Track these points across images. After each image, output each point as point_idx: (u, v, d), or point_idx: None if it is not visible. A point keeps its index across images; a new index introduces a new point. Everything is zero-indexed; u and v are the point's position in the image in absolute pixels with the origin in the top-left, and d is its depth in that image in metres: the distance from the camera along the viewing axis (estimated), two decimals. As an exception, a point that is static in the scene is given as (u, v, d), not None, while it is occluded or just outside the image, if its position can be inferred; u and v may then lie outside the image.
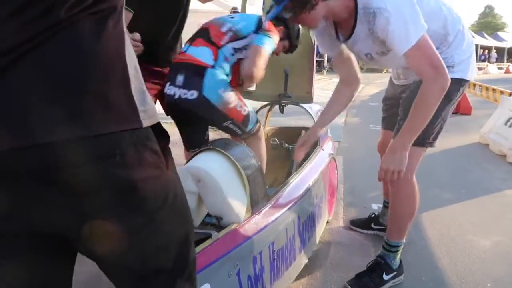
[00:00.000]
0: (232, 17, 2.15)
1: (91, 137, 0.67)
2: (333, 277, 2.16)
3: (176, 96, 1.99)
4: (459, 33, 1.90)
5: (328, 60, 20.31)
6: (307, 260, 2.16)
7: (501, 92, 6.02)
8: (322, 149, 2.63)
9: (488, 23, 54.17)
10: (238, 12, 5.14)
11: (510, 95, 5.77)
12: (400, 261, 2.14)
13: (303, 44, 2.61)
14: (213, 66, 1.98)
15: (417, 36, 1.63)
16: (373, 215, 2.73)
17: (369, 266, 2.14)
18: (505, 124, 5.15)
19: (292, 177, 2.11)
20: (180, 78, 1.99)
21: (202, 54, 2.01)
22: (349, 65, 2.10)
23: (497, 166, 4.47)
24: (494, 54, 31.15)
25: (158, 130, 0.79)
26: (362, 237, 2.63)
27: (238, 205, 1.50)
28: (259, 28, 2.06)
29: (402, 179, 1.95)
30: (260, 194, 1.65)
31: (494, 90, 6.51)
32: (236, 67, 2.05)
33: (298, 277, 2.05)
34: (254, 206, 1.61)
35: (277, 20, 2.04)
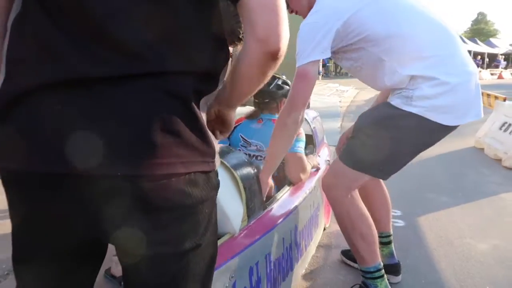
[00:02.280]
0: None
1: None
2: (333, 281, 2.15)
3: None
4: (441, 82, 1.63)
5: (323, 65, 20.35)
6: (304, 270, 2.10)
7: (496, 97, 6.07)
8: (319, 156, 2.61)
9: (480, 30, 54.77)
10: None
11: (504, 100, 5.82)
12: None
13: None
14: None
15: (306, 59, 1.64)
16: None
17: None
18: (500, 128, 5.20)
19: (288, 185, 2.06)
20: None
21: None
22: None
23: (493, 170, 4.50)
24: (502, 61, 32.87)
25: None
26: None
27: (233, 214, 1.43)
28: None
29: (333, 198, 1.87)
30: (257, 202, 1.59)
31: (488, 95, 6.56)
32: None
33: (298, 280, 2.04)
34: (251, 215, 1.54)
35: None
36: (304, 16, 1.75)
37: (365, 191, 2.06)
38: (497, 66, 31.78)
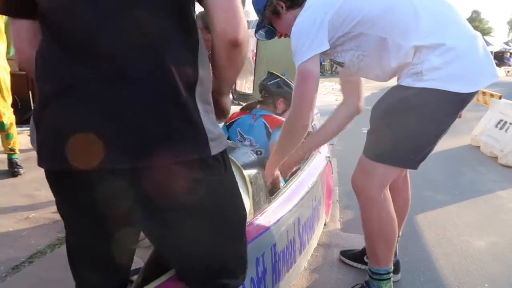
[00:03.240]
0: None
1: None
2: (332, 279, 2.16)
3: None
4: (448, 48, 1.57)
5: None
6: (306, 263, 2.15)
7: (491, 95, 6.10)
8: (319, 152, 2.64)
9: (475, 28, 54.09)
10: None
11: (500, 98, 5.85)
12: None
13: None
14: None
15: (304, 56, 1.60)
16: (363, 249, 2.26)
17: None
18: (496, 126, 5.22)
19: (291, 179, 2.11)
20: None
21: None
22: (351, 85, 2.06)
23: (489, 168, 4.53)
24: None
25: None
26: (360, 239, 2.62)
27: None
28: None
29: (365, 199, 1.78)
30: (262, 196, 1.65)
31: (484, 93, 6.58)
32: None
33: (298, 279, 2.06)
34: (257, 208, 1.60)
35: None
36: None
37: (389, 188, 1.95)
38: (499, 65, 31.42)
